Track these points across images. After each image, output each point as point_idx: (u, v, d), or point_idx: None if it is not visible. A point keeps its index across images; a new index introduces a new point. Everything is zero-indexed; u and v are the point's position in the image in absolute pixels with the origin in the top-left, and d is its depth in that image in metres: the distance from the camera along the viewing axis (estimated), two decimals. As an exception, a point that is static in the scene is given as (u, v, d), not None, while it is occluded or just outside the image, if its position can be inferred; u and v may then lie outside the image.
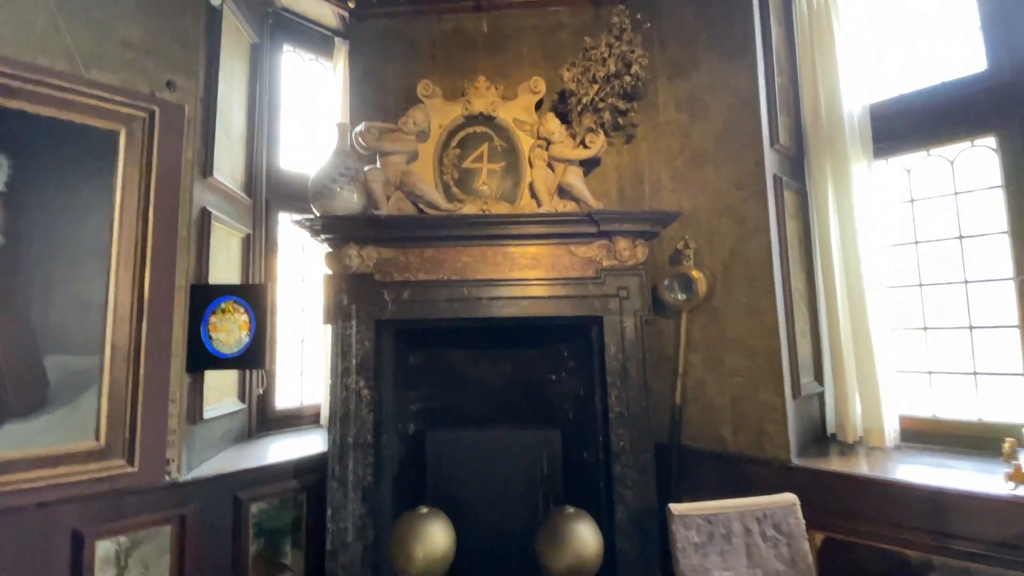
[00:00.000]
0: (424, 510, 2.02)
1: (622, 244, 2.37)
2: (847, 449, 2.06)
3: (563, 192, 2.47)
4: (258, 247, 2.63)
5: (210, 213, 2.19)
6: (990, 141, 1.99)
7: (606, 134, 2.48)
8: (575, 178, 2.41)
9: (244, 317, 2.15)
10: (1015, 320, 1.89)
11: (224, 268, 2.36)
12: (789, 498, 1.68)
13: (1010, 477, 1.55)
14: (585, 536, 1.92)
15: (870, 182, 2.11)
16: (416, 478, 2.52)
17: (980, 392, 1.98)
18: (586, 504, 2.24)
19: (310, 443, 2.54)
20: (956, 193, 2.09)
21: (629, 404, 2.34)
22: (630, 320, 2.39)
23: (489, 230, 2.31)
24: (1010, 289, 1.91)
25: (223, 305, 2.11)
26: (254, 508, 2.17)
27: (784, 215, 2.18)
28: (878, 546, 1.72)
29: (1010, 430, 1.75)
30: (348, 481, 2.23)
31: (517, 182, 2.49)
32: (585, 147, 2.42)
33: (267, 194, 2.70)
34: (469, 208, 2.40)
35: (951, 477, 1.68)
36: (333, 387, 2.29)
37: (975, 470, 1.73)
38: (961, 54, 2.08)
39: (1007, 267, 1.93)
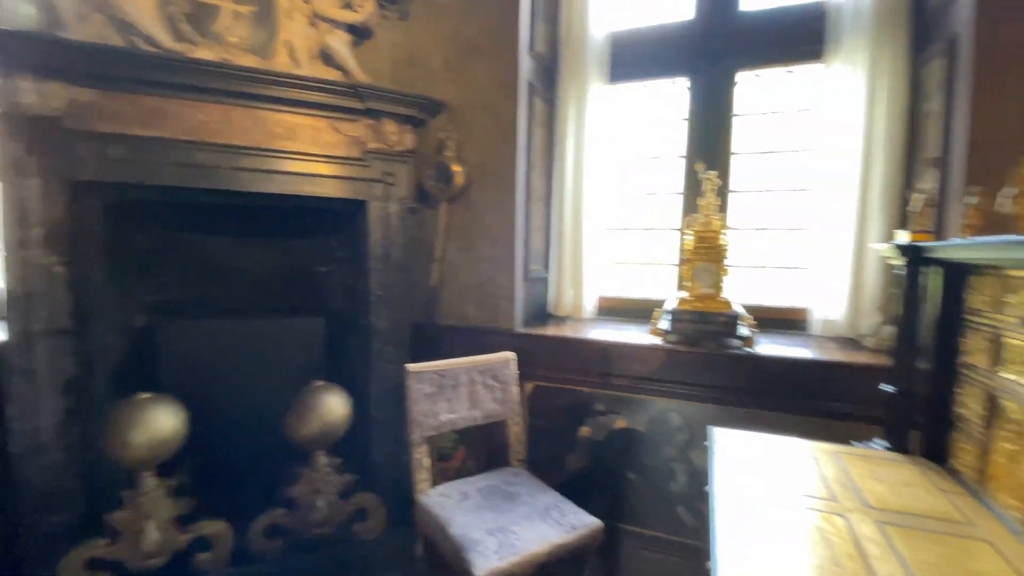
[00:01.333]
0: (144, 396, 1.84)
1: (390, 127, 2.34)
2: (559, 321, 2.57)
3: (328, 59, 2.25)
4: None
5: None
6: (685, 82, 2.51)
7: (379, 4, 2.30)
8: (340, 43, 2.22)
9: None
10: (678, 224, 2.55)
11: None
12: (507, 355, 2.06)
13: (651, 332, 2.18)
14: (332, 404, 2.04)
15: (602, 103, 2.47)
16: (149, 374, 2.24)
17: (651, 277, 2.67)
18: (347, 382, 2.34)
19: (-24, 333, 2.00)
20: (654, 122, 2.60)
21: (390, 287, 2.47)
22: (395, 207, 2.44)
23: (233, 85, 2.00)
24: (679, 201, 2.55)
25: None
26: None
27: (534, 120, 2.42)
28: (567, 388, 2.26)
29: (661, 303, 2.42)
30: (40, 375, 1.88)
31: (272, 35, 2.15)
32: (352, 10, 2.21)
33: None
34: (204, 53, 2.01)
35: (618, 335, 2.27)
36: (8, 262, 1.82)
37: (636, 331, 2.36)
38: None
39: (681, 184, 2.55)
